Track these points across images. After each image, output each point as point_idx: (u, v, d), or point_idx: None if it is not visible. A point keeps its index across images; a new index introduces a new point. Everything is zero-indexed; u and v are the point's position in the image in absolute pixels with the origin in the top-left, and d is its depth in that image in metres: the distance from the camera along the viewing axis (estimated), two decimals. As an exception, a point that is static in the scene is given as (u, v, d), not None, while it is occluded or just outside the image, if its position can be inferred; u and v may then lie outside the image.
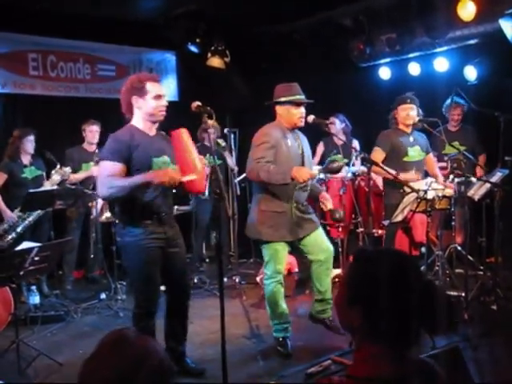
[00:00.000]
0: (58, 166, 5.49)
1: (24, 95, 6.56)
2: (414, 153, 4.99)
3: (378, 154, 4.92)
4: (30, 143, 5.62)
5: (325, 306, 4.24)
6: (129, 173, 3.30)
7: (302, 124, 4.07)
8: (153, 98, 3.38)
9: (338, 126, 6.38)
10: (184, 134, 3.33)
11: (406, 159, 4.96)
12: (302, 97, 4.04)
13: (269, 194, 4.02)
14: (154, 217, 3.43)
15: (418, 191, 4.16)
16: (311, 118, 4.07)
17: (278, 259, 4.09)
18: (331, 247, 4.25)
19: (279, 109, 4.06)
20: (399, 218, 4.47)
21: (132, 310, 3.64)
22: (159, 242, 3.46)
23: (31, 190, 5.19)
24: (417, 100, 5.00)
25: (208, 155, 5.54)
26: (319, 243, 4.17)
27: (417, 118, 4.92)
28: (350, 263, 1.51)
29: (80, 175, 5.96)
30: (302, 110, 4.03)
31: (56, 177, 5.42)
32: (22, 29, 6.34)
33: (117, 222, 3.44)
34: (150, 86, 3.39)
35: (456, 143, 5.50)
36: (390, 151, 4.97)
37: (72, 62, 6.91)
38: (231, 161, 6.44)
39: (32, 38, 6.55)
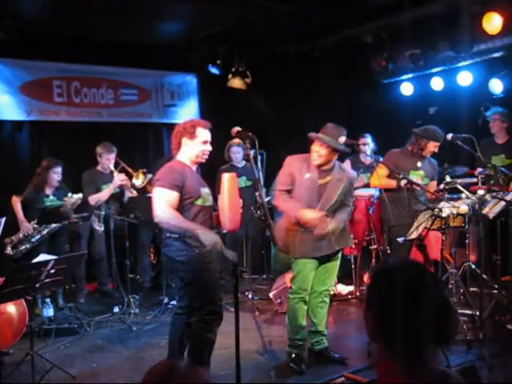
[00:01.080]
0: (70, 194, 5.54)
1: (48, 122, 6.64)
2: (415, 176, 4.98)
3: (383, 170, 4.97)
4: (56, 175, 5.63)
5: (318, 338, 4.25)
6: (180, 199, 3.56)
7: (316, 163, 4.03)
8: (201, 143, 3.65)
9: (371, 145, 6.27)
10: (229, 179, 3.58)
11: None
12: (322, 136, 3.99)
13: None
14: None
15: (433, 209, 4.16)
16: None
17: (306, 276, 4.08)
18: (332, 284, 4.43)
19: None
20: (414, 236, 4.46)
21: (198, 319, 3.62)
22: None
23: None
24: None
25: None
26: (325, 276, 4.17)
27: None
28: None
29: (104, 194, 5.92)
30: (316, 148, 4.01)
31: (67, 204, 5.49)
32: (46, 56, 6.46)
33: (172, 244, 3.59)
34: (200, 131, 3.66)
35: (502, 156, 5.38)
36: (393, 171, 4.96)
37: (95, 88, 7.03)
38: None
39: (56, 65, 6.67)
